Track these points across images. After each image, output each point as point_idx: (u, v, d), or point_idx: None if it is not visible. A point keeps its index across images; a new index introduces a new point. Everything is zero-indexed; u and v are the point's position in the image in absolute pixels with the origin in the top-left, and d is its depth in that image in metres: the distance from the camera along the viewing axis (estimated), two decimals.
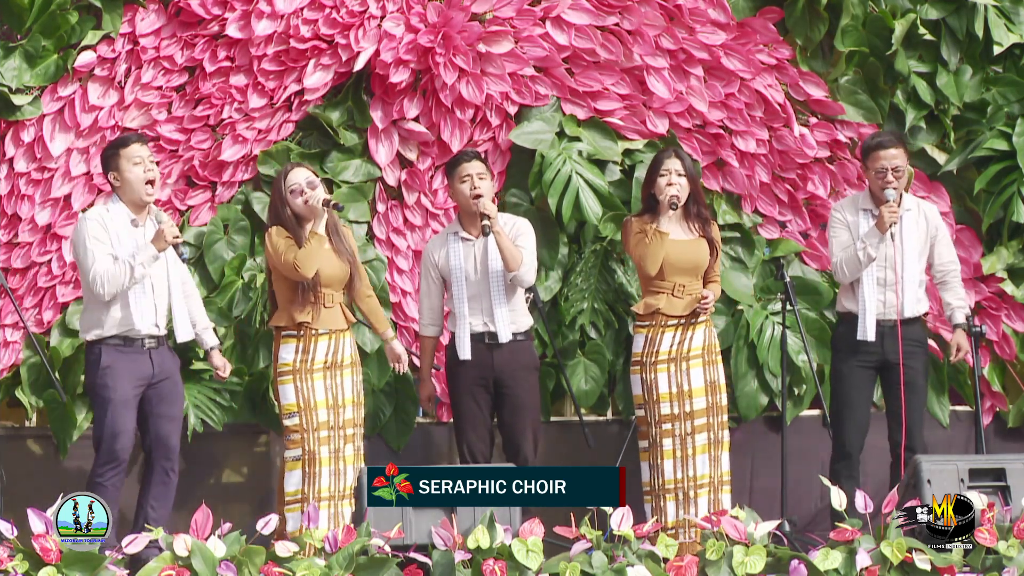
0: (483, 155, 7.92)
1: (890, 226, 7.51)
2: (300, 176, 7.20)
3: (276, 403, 7.29)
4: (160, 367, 7.11)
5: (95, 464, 7.04)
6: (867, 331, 7.59)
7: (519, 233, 7.57)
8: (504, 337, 7.45)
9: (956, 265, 7.85)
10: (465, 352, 7.46)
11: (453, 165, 7.59)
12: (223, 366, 7.39)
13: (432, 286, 7.60)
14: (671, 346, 7.46)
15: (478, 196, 7.45)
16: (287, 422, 7.16)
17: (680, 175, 7.51)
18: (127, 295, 7.01)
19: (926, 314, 7.89)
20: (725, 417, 7.52)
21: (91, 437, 7.16)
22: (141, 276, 6.98)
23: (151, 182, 7.09)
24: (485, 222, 7.41)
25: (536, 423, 7.61)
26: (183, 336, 7.21)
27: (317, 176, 7.30)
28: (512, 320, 7.52)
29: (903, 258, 7.61)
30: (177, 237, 7.02)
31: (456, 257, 7.52)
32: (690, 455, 7.42)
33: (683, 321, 7.48)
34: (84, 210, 7.79)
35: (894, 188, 7.56)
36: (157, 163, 7.25)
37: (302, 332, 7.16)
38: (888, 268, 7.63)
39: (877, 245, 7.54)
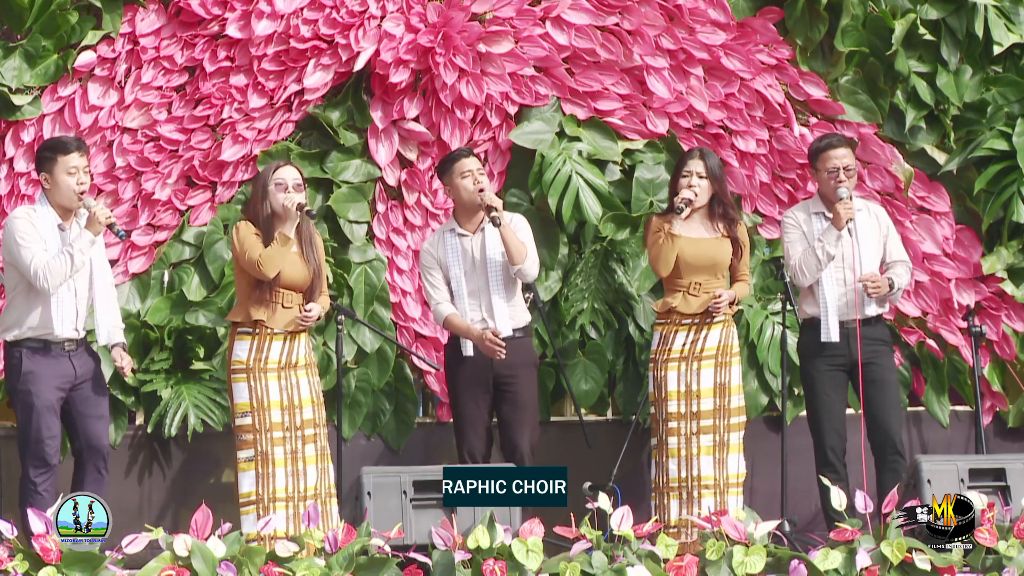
0: (481, 155, 7.91)
1: (847, 222, 7.51)
2: (289, 174, 7.15)
3: (229, 401, 7.25)
4: (81, 369, 7.03)
5: (26, 471, 6.95)
6: (831, 332, 7.57)
7: (517, 229, 7.57)
8: (504, 331, 7.45)
9: (904, 257, 7.79)
10: (468, 348, 7.46)
11: (450, 162, 7.59)
12: (128, 365, 7.20)
13: (438, 280, 7.56)
14: (684, 345, 7.47)
15: (482, 189, 7.46)
16: (239, 421, 7.09)
17: (701, 177, 7.51)
18: (49, 300, 6.93)
19: (929, 314, 7.90)
20: (735, 420, 7.50)
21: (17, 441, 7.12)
22: (81, 263, 6.91)
23: (82, 193, 6.99)
24: (493, 213, 7.39)
25: (534, 421, 7.60)
26: (103, 340, 7.12)
27: (305, 182, 7.25)
28: (511, 315, 7.52)
29: (860, 257, 7.61)
30: (109, 217, 6.94)
31: (454, 253, 7.52)
32: (695, 455, 7.42)
33: (697, 320, 7.48)
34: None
35: (846, 187, 7.57)
36: (88, 171, 7.09)
37: (257, 330, 7.10)
38: (847, 268, 7.63)
39: (835, 243, 7.55)
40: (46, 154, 7.05)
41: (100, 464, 7.05)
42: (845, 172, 7.61)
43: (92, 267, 7.06)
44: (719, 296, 7.44)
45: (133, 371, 7.40)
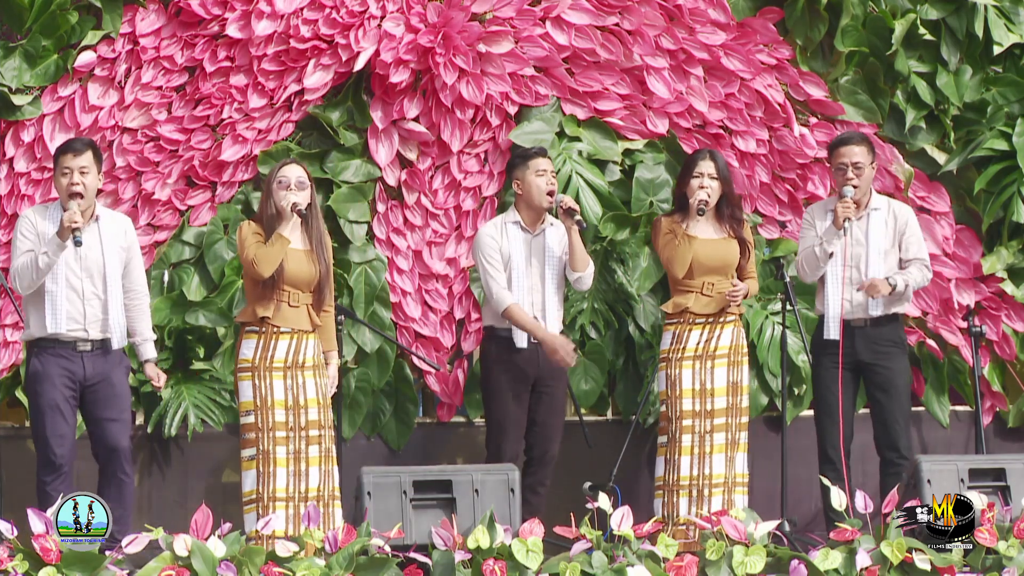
0: (481, 155, 7.93)
1: (844, 221, 7.51)
2: (292, 172, 7.12)
3: (235, 399, 7.23)
4: (93, 370, 7.00)
5: (39, 472, 6.96)
6: (830, 329, 7.58)
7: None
8: (554, 330, 7.46)
9: (922, 255, 7.75)
10: (522, 340, 7.45)
11: (527, 158, 7.58)
12: (157, 377, 7.24)
13: (499, 265, 7.50)
14: (698, 344, 7.48)
15: (554, 191, 7.50)
16: (243, 420, 7.06)
17: (713, 178, 7.52)
18: (47, 297, 6.94)
19: (929, 314, 7.90)
20: (744, 419, 7.52)
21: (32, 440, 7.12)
22: (46, 266, 6.86)
23: (73, 195, 6.94)
24: (578, 217, 7.43)
25: (563, 423, 7.66)
26: (117, 343, 7.07)
27: (311, 181, 7.23)
28: (559, 316, 7.55)
29: (867, 256, 7.61)
30: (74, 223, 6.85)
31: (516, 245, 7.52)
32: (707, 453, 7.43)
33: (711, 320, 7.49)
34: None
35: (853, 185, 7.57)
36: (84, 171, 6.99)
37: (263, 328, 7.08)
38: (853, 267, 7.63)
39: (833, 241, 7.54)
40: (54, 155, 7.12)
41: (119, 468, 7.03)
42: (853, 169, 7.61)
43: (106, 269, 7.05)
44: (736, 287, 7.44)
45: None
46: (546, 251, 7.54)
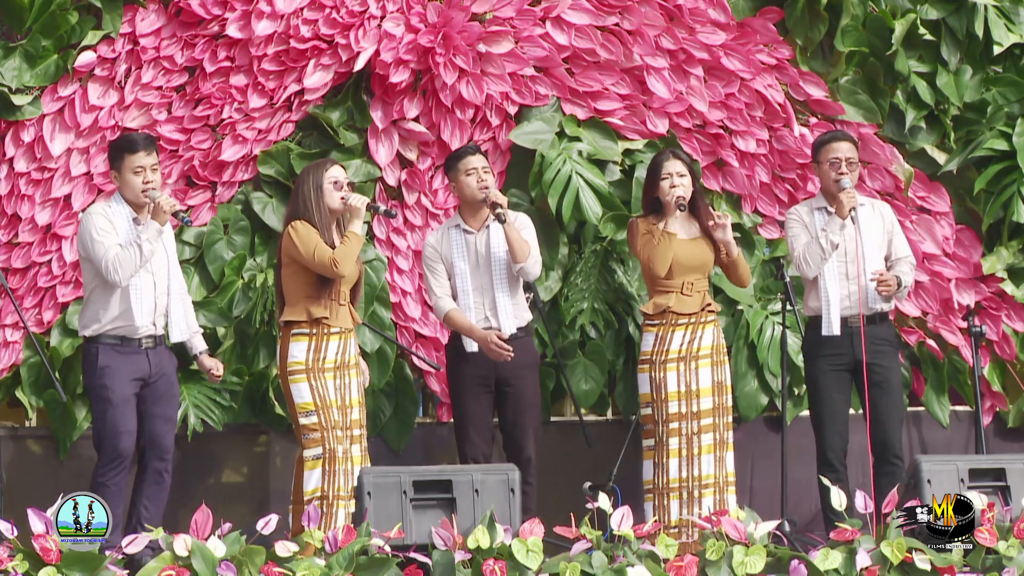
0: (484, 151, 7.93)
1: (850, 210, 7.52)
2: (341, 173, 7.25)
3: (287, 402, 7.21)
4: (157, 367, 7.11)
5: (98, 465, 7.03)
6: (832, 325, 7.57)
7: (521, 227, 7.59)
8: (507, 330, 7.46)
9: (908, 254, 7.79)
10: (471, 345, 7.47)
11: (456, 159, 7.62)
12: (216, 367, 7.34)
13: (440, 273, 7.56)
14: (681, 345, 7.48)
15: (486, 187, 7.47)
16: (304, 420, 7.09)
17: (682, 176, 7.54)
18: (128, 292, 7.01)
19: (929, 314, 7.90)
20: (730, 418, 7.54)
21: (91, 437, 7.16)
22: (150, 252, 6.98)
23: (148, 191, 7.07)
24: (499, 210, 7.41)
25: (537, 421, 7.62)
26: (177, 336, 7.19)
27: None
28: (515, 314, 7.53)
29: (863, 250, 7.61)
30: (175, 205, 7.03)
31: (459, 249, 7.53)
32: (696, 454, 7.44)
33: (693, 320, 7.50)
34: (83, 210, 7.79)
35: (848, 178, 7.59)
36: (156, 168, 7.16)
37: (316, 329, 7.12)
38: (850, 262, 7.63)
39: (839, 232, 7.55)
40: (114, 152, 7.18)
41: (161, 466, 7.11)
42: (847, 164, 7.63)
43: (168, 260, 7.14)
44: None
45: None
46: (491, 250, 7.54)
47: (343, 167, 7.34)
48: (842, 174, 7.62)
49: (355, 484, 6.99)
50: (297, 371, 7.12)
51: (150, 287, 7.08)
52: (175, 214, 7.04)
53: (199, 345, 7.36)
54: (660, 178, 7.55)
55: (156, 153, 7.18)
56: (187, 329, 7.26)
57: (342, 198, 7.18)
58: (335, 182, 7.19)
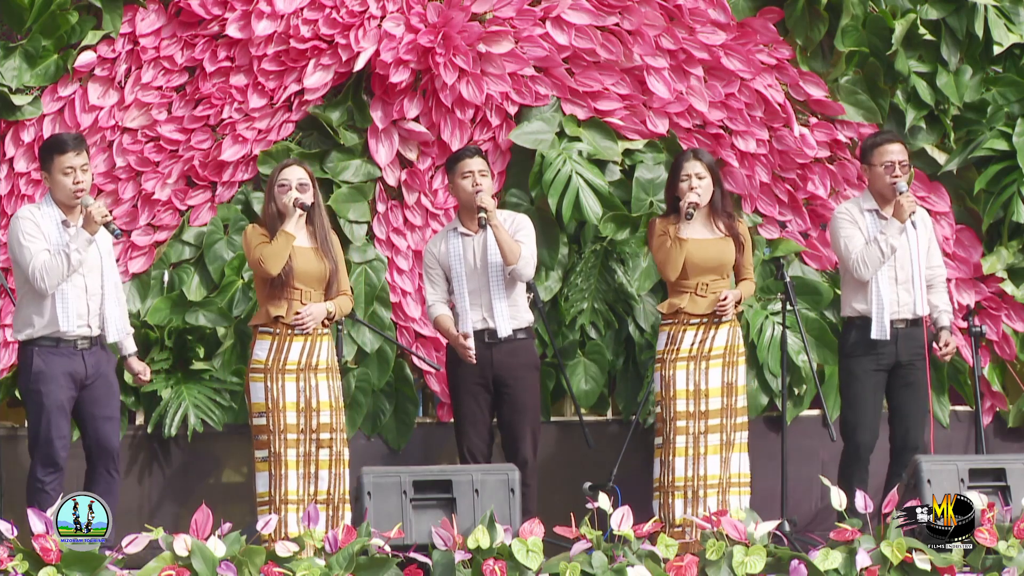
0: (484, 152, 7.94)
1: (910, 214, 7.54)
2: (294, 174, 7.23)
3: (246, 400, 7.27)
4: (94, 367, 7.05)
5: (34, 470, 6.99)
6: (884, 329, 7.59)
7: (519, 228, 7.60)
8: (503, 332, 7.47)
9: (944, 270, 7.92)
10: (472, 345, 7.48)
11: (454, 161, 7.64)
12: (144, 371, 7.32)
13: (436, 279, 7.60)
14: (692, 344, 7.49)
15: (479, 191, 7.47)
16: (255, 421, 7.14)
17: (700, 178, 7.53)
18: (57, 295, 6.95)
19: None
20: (741, 419, 7.52)
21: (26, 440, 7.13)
22: (78, 262, 6.91)
23: (79, 192, 7.00)
24: (481, 214, 7.44)
25: (536, 423, 7.63)
26: (113, 336, 7.14)
27: (313, 179, 7.29)
28: (512, 316, 7.54)
29: (917, 254, 7.65)
30: (106, 216, 6.95)
31: (456, 252, 7.55)
32: (702, 454, 7.44)
33: (705, 320, 7.50)
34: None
35: (904, 181, 7.62)
36: (87, 169, 7.07)
37: (277, 329, 7.13)
38: (899, 266, 7.65)
39: (898, 235, 7.56)
40: (44, 153, 7.10)
41: (110, 465, 7.07)
42: (901, 167, 7.65)
43: (102, 264, 7.08)
44: (724, 298, 7.45)
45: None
46: (487, 252, 7.55)
47: (306, 168, 7.31)
48: (897, 177, 7.62)
49: (319, 488, 7.01)
50: (256, 371, 7.15)
51: (80, 290, 7.01)
52: (105, 225, 6.95)
53: (129, 347, 7.31)
54: (679, 179, 7.56)
55: (87, 153, 7.11)
56: (121, 330, 7.21)
57: (284, 199, 7.16)
58: (282, 184, 7.20)
